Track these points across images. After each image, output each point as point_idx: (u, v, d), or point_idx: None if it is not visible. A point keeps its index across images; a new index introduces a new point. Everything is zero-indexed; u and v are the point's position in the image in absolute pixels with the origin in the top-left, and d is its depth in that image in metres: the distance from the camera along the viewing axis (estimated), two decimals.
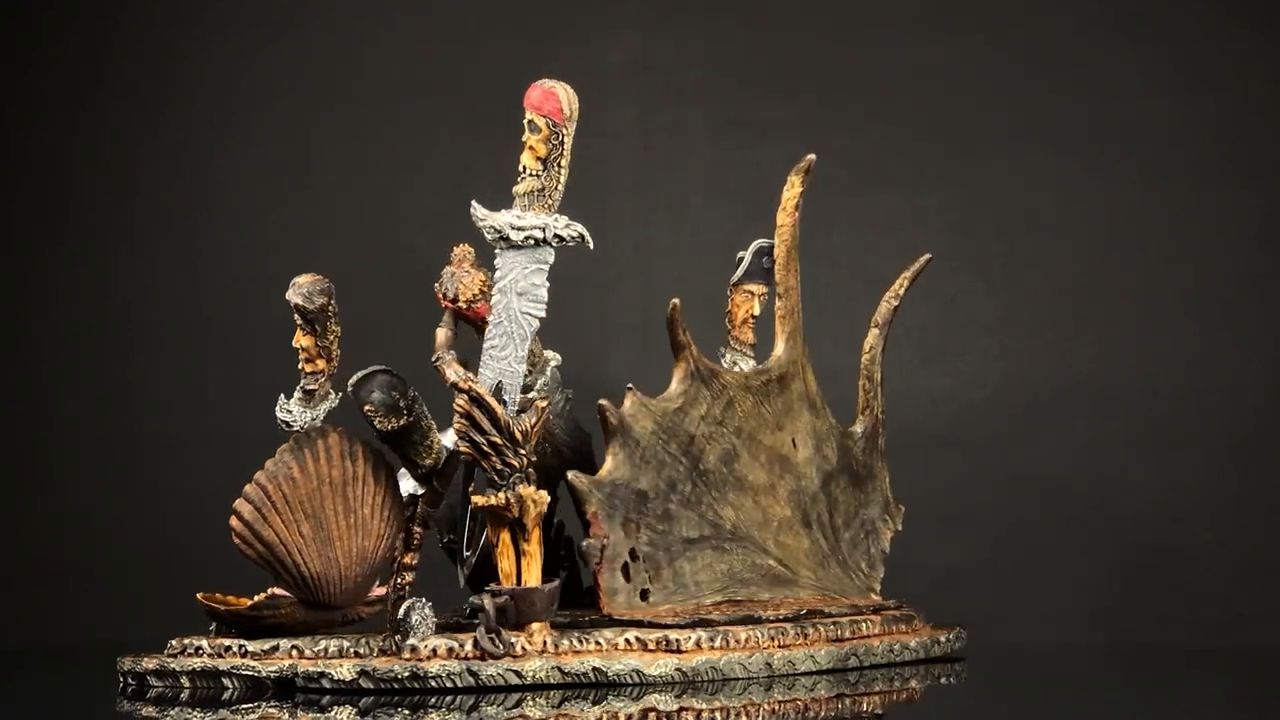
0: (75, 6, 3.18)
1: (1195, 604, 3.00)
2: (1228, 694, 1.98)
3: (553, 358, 2.06)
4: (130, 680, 1.89)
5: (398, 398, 1.89)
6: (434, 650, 1.78)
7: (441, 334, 1.89)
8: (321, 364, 1.90)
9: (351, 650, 1.81)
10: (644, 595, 1.96)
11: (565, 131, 1.83)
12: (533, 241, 1.82)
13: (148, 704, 1.79)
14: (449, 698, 1.74)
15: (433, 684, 1.76)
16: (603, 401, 1.95)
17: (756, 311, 2.23)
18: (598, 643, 1.82)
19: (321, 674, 1.78)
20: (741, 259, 2.23)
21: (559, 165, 1.83)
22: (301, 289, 1.88)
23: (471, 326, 1.96)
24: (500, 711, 1.68)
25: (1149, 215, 3.10)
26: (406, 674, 1.76)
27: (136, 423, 3.05)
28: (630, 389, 1.97)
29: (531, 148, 1.83)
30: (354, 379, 1.89)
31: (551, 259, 1.83)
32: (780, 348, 2.12)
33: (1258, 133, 3.10)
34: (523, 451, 1.81)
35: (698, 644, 1.84)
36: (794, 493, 2.11)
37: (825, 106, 3.12)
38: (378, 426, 1.89)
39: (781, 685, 1.82)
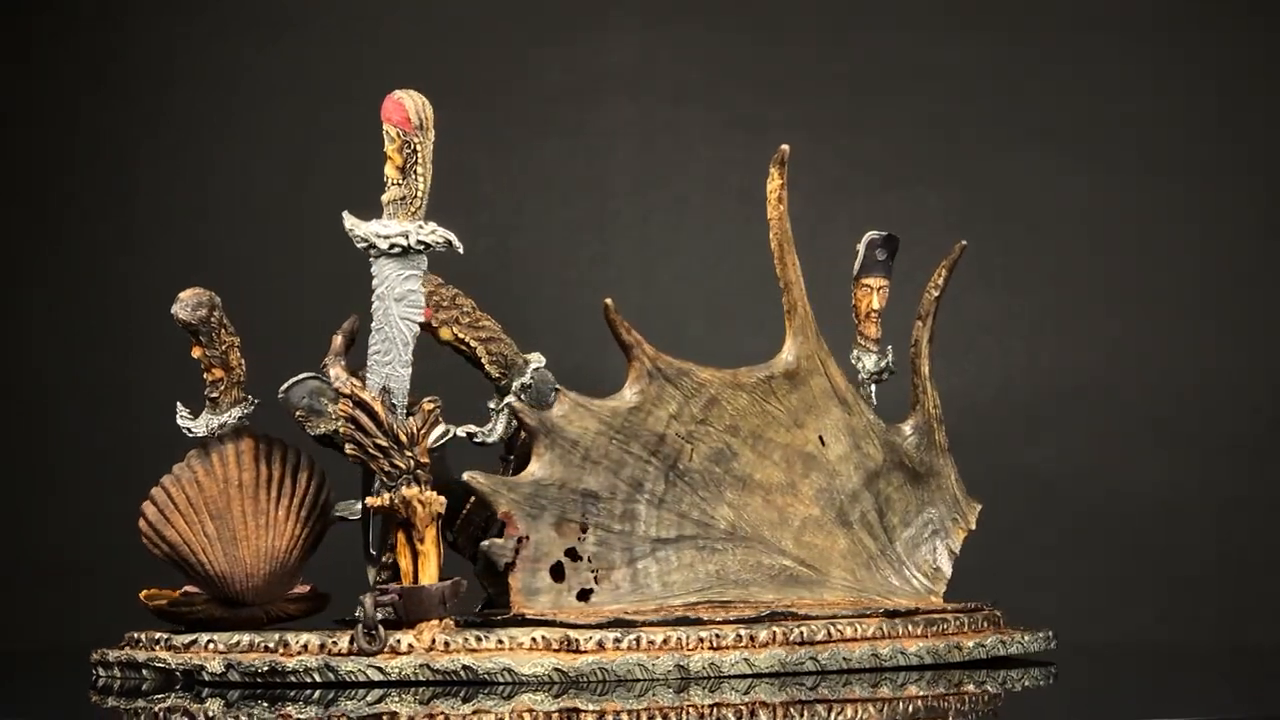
0: (75, 6, 3.18)
1: (1195, 603, 3.00)
2: (1227, 693, 1.98)
3: (534, 359, 2.07)
4: (92, 671, 1.97)
5: (325, 403, 1.95)
6: (304, 645, 1.82)
7: (337, 340, 1.93)
8: (219, 372, 1.96)
9: (262, 645, 1.84)
10: (583, 595, 1.95)
11: (417, 140, 1.86)
12: (398, 249, 1.86)
13: (100, 693, 1.86)
14: (311, 691, 1.77)
15: (291, 679, 1.80)
16: (514, 403, 1.95)
17: (877, 305, 2.22)
18: (500, 641, 1.83)
19: (201, 667, 1.84)
20: (858, 252, 2.22)
21: (416, 173, 1.86)
22: (182, 303, 1.94)
23: (429, 334, 2.00)
24: (360, 706, 1.70)
25: (1149, 215, 3.10)
26: (265, 668, 1.81)
27: (136, 423, 3.05)
28: (559, 390, 1.97)
29: (390, 157, 1.87)
30: (284, 386, 1.96)
31: (424, 265, 1.87)
32: (788, 344, 2.09)
33: (1258, 132, 3.10)
34: (409, 453, 1.84)
35: (599, 644, 1.83)
36: (824, 491, 2.07)
37: (825, 106, 3.12)
38: (308, 430, 1.94)
39: (703, 688, 1.81)
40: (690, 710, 1.70)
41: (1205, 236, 3.09)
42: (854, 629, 1.95)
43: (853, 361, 2.21)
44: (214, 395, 1.96)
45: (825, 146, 3.12)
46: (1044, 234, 3.10)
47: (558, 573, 1.94)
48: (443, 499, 1.86)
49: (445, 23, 3.18)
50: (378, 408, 1.83)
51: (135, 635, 1.94)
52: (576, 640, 1.83)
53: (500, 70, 3.15)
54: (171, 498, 1.91)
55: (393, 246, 1.85)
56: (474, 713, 1.67)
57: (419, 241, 1.86)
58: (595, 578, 1.95)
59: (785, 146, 2.05)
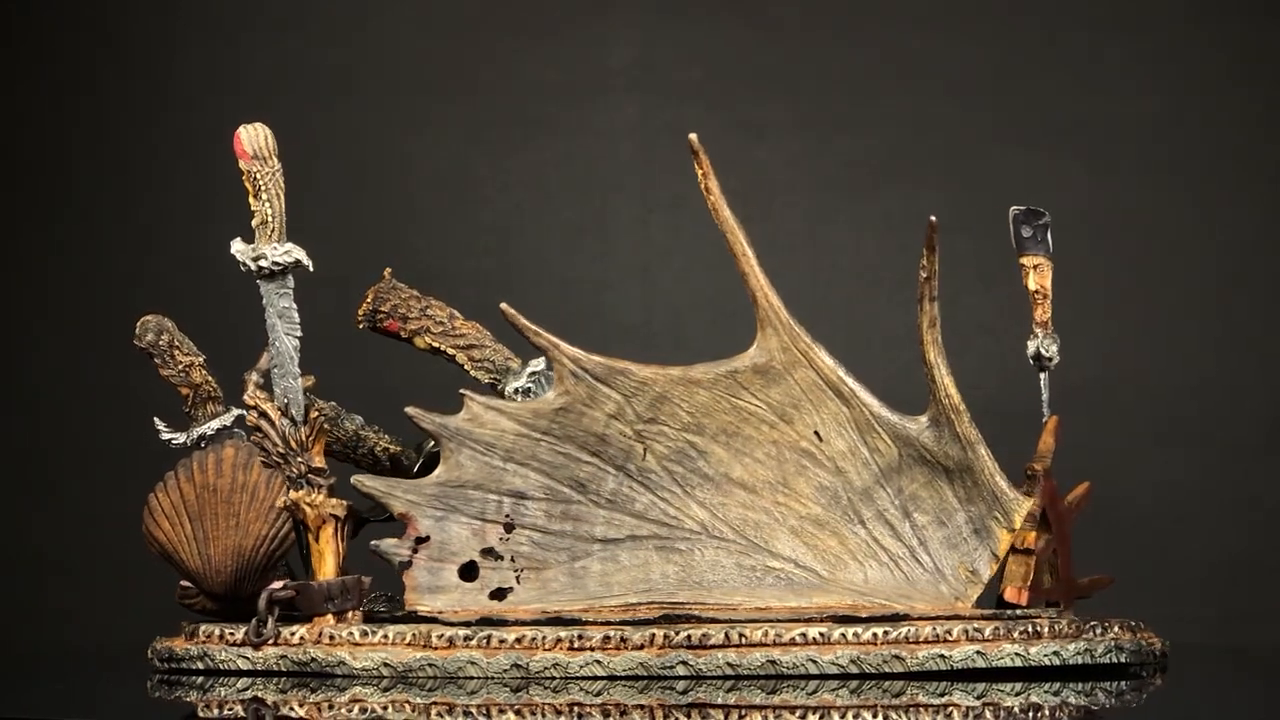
0: (76, 5, 3.18)
1: (1195, 604, 3.00)
2: (1227, 694, 1.98)
3: (535, 364, 2.09)
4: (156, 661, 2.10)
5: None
6: (209, 635, 1.97)
7: (264, 356, 2.04)
8: (186, 390, 2.13)
9: (185, 633, 2.01)
10: (499, 594, 1.97)
11: (256, 169, 2.01)
12: (265, 271, 1.99)
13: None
14: (197, 678, 1.94)
15: (183, 665, 1.97)
16: (410, 410, 1.99)
17: (1033, 285, 2.18)
18: (385, 637, 1.90)
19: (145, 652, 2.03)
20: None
21: (264, 199, 2.01)
22: (136, 331, 2.12)
23: (407, 343, 2.10)
24: (232, 693, 1.85)
25: (1149, 215, 3.10)
26: (166, 654, 1.99)
27: (137, 423, 3.05)
28: (464, 394, 2.00)
29: (245, 186, 2.00)
30: None
31: (291, 284, 1.99)
32: (757, 338, 2.05)
33: (1258, 132, 3.09)
34: (300, 459, 1.96)
35: (450, 641, 1.88)
36: (826, 489, 2.02)
37: (825, 106, 3.12)
38: None
39: (544, 688, 1.82)
40: (523, 709, 1.73)
41: (1206, 236, 3.09)
42: (764, 634, 1.88)
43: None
44: (187, 410, 2.14)
45: (825, 146, 3.12)
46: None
47: (468, 572, 1.98)
48: (335, 501, 1.95)
49: (445, 22, 3.18)
50: (274, 417, 1.96)
51: (190, 626, 2.07)
52: (428, 636, 1.89)
53: (500, 70, 3.15)
54: (159, 501, 2.07)
55: (260, 269, 1.98)
56: (315, 703, 1.78)
57: (273, 263, 1.99)
58: (518, 577, 1.98)
59: (693, 135, 2.04)
